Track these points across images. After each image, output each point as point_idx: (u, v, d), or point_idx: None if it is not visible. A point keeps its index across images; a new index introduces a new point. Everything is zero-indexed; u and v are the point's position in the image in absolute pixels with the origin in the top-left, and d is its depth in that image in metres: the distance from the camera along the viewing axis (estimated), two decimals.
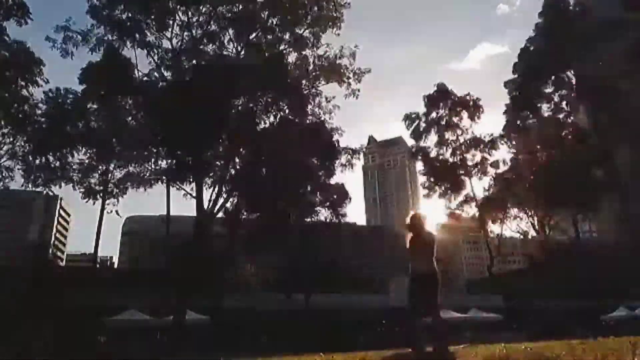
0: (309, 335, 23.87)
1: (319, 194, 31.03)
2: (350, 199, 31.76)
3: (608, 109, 34.43)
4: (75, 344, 21.22)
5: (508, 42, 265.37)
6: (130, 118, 25.57)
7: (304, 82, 27.30)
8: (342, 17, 25.46)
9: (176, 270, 28.19)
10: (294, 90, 25.77)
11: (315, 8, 25.31)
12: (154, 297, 25.17)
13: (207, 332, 25.26)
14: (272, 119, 26.67)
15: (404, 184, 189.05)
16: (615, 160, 34.99)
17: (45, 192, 27.25)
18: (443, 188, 37.76)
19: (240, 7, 25.23)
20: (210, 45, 25.27)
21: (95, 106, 24.89)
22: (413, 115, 38.75)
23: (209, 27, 25.18)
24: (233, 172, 26.86)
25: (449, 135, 38.42)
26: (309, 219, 31.31)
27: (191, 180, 24.67)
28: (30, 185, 24.51)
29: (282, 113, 26.85)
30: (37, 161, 23.82)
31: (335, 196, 31.04)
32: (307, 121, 27.81)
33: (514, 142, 38.19)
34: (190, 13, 24.92)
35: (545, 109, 36.87)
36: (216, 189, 25.44)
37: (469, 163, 38.10)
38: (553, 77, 36.00)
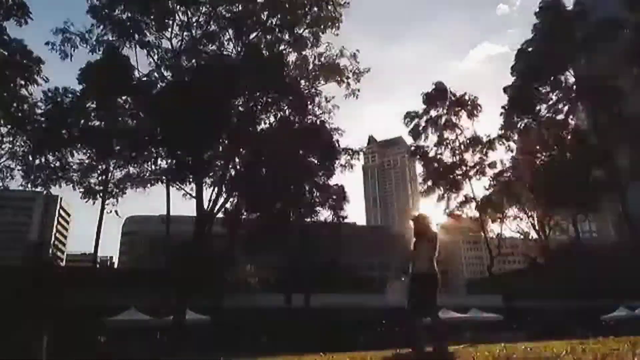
0: (309, 335, 23.87)
1: (318, 195, 31.04)
2: (348, 200, 31.80)
3: (608, 109, 34.43)
4: (75, 344, 21.23)
5: (508, 42, 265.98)
6: (130, 118, 25.54)
7: (303, 82, 27.32)
8: (341, 17, 25.46)
9: (176, 270, 28.17)
10: (294, 91, 25.77)
11: (315, 8, 25.30)
12: (154, 297, 25.16)
13: (207, 332, 25.25)
14: (272, 119, 26.70)
15: (404, 184, 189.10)
16: (615, 160, 34.94)
17: (45, 192, 27.23)
18: (442, 189, 37.76)
19: (240, 7, 25.22)
20: (210, 45, 25.27)
21: (94, 105, 24.88)
22: (413, 114, 38.79)
23: (208, 27, 25.17)
24: (233, 172, 26.87)
25: (448, 135, 38.48)
26: (309, 219, 31.31)
27: (191, 180, 24.66)
28: (29, 186, 24.51)
29: (282, 113, 26.86)
30: (37, 161, 23.81)
31: (334, 197, 31.04)
32: (307, 121, 27.82)
33: (512, 143, 38.20)
34: (190, 13, 24.91)
35: (544, 110, 36.87)
36: (216, 189, 25.44)
37: (469, 163, 38.14)
38: (552, 78, 35.98)
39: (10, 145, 24.06)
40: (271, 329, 27.63)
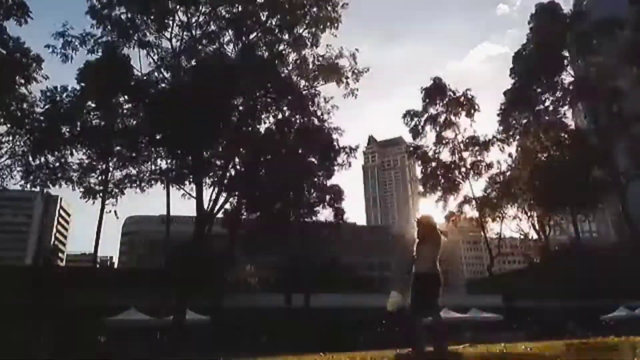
0: (309, 335, 23.89)
1: (317, 194, 31.07)
2: (344, 198, 31.88)
3: (607, 109, 34.42)
4: (75, 344, 21.24)
5: (508, 42, 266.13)
6: (129, 118, 25.53)
7: (303, 82, 27.32)
8: (339, 17, 25.45)
9: (176, 270, 28.18)
10: (293, 91, 25.76)
11: (314, 9, 25.29)
12: (154, 297, 25.16)
13: (207, 332, 25.25)
14: (271, 119, 26.69)
15: (404, 184, 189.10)
16: (615, 160, 34.94)
17: (44, 192, 27.22)
18: (441, 189, 37.74)
19: (240, 7, 25.20)
20: (210, 45, 25.24)
21: (93, 105, 24.86)
22: (412, 112, 38.78)
23: (208, 27, 25.15)
24: (233, 172, 26.86)
25: (446, 134, 38.50)
26: (308, 219, 31.33)
27: (191, 180, 24.64)
28: (29, 186, 24.48)
29: (281, 113, 26.85)
30: (37, 161, 23.79)
31: (332, 195, 31.07)
32: (307, 121, 27.81)
33: (511, 143, 38.19)
34: (190, 13, 24.90)
35: (544, 110, 36.83)
36: (216, 189, 25.42)
37: (467, 163, 38.13)
38: (550, 79, 35.97)
39: (10, 145, 24.05)
40: (271, 329, 27.64)
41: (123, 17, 23.54)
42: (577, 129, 37.20)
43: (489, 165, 38.19)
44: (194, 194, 24.31)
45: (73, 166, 25.04)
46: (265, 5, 25.45)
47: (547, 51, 34.92)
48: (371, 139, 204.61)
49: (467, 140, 38.14)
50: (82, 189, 25.46)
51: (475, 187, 39.18)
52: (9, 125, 23.77)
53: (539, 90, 36.47)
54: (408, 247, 6.37)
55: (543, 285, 40.27)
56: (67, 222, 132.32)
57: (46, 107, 23.74)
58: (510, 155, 38.88)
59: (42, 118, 23.91)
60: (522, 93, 36.23)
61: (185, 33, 25.01)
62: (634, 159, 33.23)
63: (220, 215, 27.94)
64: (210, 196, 25.09)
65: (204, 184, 24.84)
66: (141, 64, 25.59)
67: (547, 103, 36.62)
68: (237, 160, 27.16)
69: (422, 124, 38.55)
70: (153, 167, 25.24)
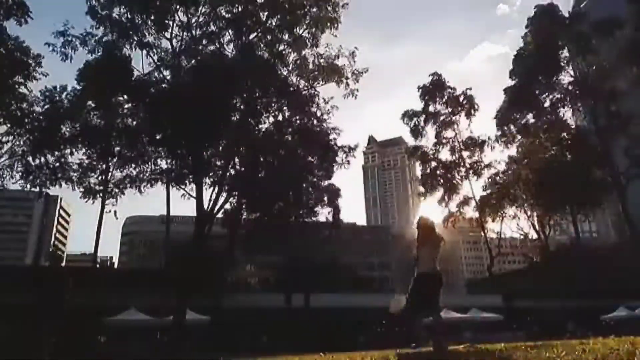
0: (309, 335, 23.90)
1: (315, 194, 31.09)
2: (340, 195, 31.95)
3: (607, 108, 34.45)
4: (75, 344, 21.23)
5: (508, 42, 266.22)
6: (129, 117, 25.53)
7: (302, 82, 27.31)
8: (339, 17, 25.45)
9: (176, 270, 28.18)
10: (293, 91, 25.76)
11: (314, 9, 25.29)
12: (154, 297, 25.15)
13: (207, 332, 25.26)
14: (271, 119, 26.68)
15: (404, 184, 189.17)
16: (615, 160, 34.97)
17: (44, 192, 27.22)
18: (441, 190, 37.77)
19: (240, 7, 25.20)
20: (210, 45, 25.24)
21: (93, 105, 24.86)
22: (411, 112, 38.78)
23: (208, 27, 25.14)
24: (233, 172, 26.85)
25: (446, 134, 38.52)
26: (308, 219, 31.34)
27: (191, 180, 24.64)
28: (29, 186, 24.48)
29: (281, 114, 26.85)
30: (37, 161, 23.80)
31: (330, 194, 31.11)
32: (306, 122, 27.80)
33: (509, 145, 38.20)
34: (190, 14, 24.90)
35: (543, 111, 36.84)
36: (216, 189, 25.41)
37: (467, 163, 38.15)
38: (550, 80, 35.98)
39: (10, 145, 24.06)
40: (271, 329, 27.66)
41: (123, 17, 23.55)
42: (577, 129, 37.20)
43: (489, 166, 38.28)
44: (194, 194, 24.32)
45: (73, 166, 25.08)
46: (265, 5, 25.44)
47: (546, 52, 34.96)
48: (371, 139, 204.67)
49: (468, 141, 38.19)
50: (82, 189, 25.49)
51: (476, 187, 39.29)
52: (8, 125, 23.78)
53: (537, 91, 36.49)
54: (408, 247, 6.51)
55: (543, 285, 40.31)
56: (67, 222, 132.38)
57: (46, 107, 23.75)
58: (510, 156, 39.00)
59: (41, 118, 23.92)
60: (522, 93, 36.24)
61: (185, 33, 25.03)
62: (633, 158, 33.26)
63: (220, 215, 27.95)
64: (210, 196, 25.09)
65: (204, 184, 24.84)
66: (143, 64, 25.64)
67: (547, 104, 36.67)
68: (237, 160, 27.16)
69: (422, 123, 38.60)
70: (153, 167, 25.26)
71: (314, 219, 31.40)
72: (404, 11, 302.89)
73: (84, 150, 25.12)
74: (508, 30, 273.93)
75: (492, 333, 24.97)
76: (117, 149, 25.45)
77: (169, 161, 25.14)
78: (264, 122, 26.46)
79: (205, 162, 24.58)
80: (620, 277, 36.79)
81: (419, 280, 5.95)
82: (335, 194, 31.53)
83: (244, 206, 29.59)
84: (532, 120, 37.09)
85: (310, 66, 26.50)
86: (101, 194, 26.18)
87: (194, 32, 25.01)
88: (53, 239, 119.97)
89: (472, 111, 38.02)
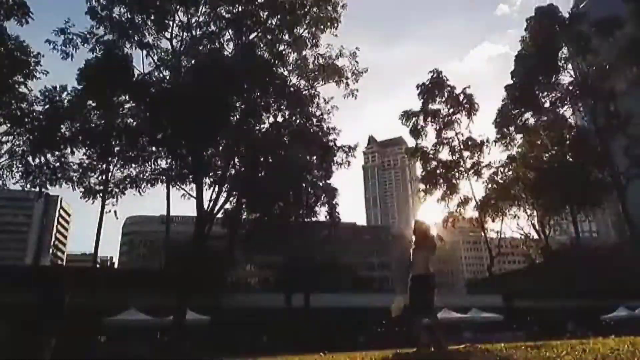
0: (309, 335, 23.91)
1: (314, 193, 31.07)
2: (337, 194, 31.94)
3: (607, 108, 34.46)
4: (76, 344, 21.22)
5: (508, 42, 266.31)
6: (130, 117, 25.50)
7: (302, 82, 27.31)
8: (339, 17, 25.44)
9: (176, 270, 28.18)
10: (293, 91, 25.76)
11: (315, 8, 25.29)
12: (154, 297, 25.17)
13: (207, 332, 25.26)
14: (271, 119, 26.66)
15: (404, 184, 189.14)
16: (615, 160, 34.97)
17: (44, 192, 27.18)
18: (441, 191, 37.75)
19: (240, 7, 25.20)
20: (210, 45, 25.22)
21: (94, 104, 24.82)
22: (410, 112, 38.70)
23: (208, 27, 25.13)
24: (233, 172, 26.83)
25: (447, 133, 38.49)
26: (308, 219, 31.31)
27: (191, 180, 24.62)
28: (29, 186, 24.44)
29: (281, 113, 26.84)
30: (37, 161, 23.75)
31: (327, 193, 31.09)
32: (305, 122, 27.79)
33: (510, 144, 38.18)
34: (190, 14, 24.89)
35: (543, 110, 36.85)
36: (216, 189, 25.41)
37: (467, 163, 38.14)
38: (550, 80, 35.99)
39: (10, 145, 24.02)
40: (271, 329, 27.67)
41: (123, 17, 23.52)
42: (577, 128, 37.21)
43: (489, 166, 38.28)
44: (194, 194, 24.31)
45: (73, 166, 24.99)
46: (265, 5, 25.44)
47: (546, 53, 34.98)
48: (371, 139, 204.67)
49: (469, 142, 38.18)
50: (82, 189, 25.40)
51: (476, 187, 39.27)
52: (8, 125, 23.74)
53: (537, 91, 36.50)
54: (408, 248, 6.63)
55: (543, 285, 40.30)
56: (67, 222, 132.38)
57: (46, 106, 23.71)
58: (509, 156, 38.98)
59: (41, 117, 23.88)
60: (523, 92, 36.26)
61: (185, 33, 25.02)
62: (633, 158, 33.27)
63: (220, 215, 27.94)
64: (210, 196, 25.08)
65: (204, 184, 24.83)
66: (143, 64, 25.63)
67: (547, 104, 36.69)
68: (237, 160, 27.15)
69: (421, 122, 38.53)
70: (153, 167, 25.22)
71: (313, 218, 31.39)
72: (404, 11, 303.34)
73: (84, 150, 25.06)
74: (508, 30, 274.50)
75: (492, 333, 24.96)
76: (117, 149, 25.40)
77: (169, 161, 25.10)
78: (264, 122, 26.49)
79: (205, 162, 24.57)
80: (620, 277, 36.78)
81: (413, 282, 6.10)
82: (332, 193, 31.51)
83: (244, 206, 29.57)
84: (532, 120, 37.14)
85: (310, 66, 26.50)
86: (101, 194, 26.11)
87: (194, 32, 25.00)
88: (53, 239, 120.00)
89: (472, 111, 38.00)
